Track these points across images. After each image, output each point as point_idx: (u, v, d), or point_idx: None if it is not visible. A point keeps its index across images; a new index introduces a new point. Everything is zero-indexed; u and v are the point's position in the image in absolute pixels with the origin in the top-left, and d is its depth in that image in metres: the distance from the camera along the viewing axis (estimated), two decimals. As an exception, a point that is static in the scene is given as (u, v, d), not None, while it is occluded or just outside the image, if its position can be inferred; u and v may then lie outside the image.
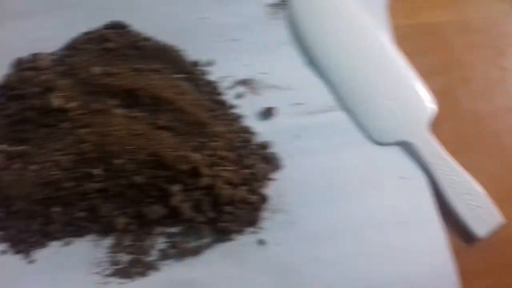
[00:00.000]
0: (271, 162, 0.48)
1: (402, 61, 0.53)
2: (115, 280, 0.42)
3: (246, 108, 0.51)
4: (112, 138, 0.45)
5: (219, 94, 0.51)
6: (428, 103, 0.51)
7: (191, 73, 0.52)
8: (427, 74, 0.52)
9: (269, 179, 0.47)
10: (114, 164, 0.44)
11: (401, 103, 0.50)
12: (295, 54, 0.54)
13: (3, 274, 0.42)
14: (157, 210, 0.44)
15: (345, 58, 0.53)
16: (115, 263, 0.43)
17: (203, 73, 0.52)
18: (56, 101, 0.46)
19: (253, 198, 0.45)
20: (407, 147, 0.49)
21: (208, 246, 0.44)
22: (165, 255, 0.43)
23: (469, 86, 0.53)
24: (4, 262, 0.42)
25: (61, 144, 0.45)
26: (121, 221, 0.44)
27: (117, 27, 0.53)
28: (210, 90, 0.51)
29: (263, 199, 0.46)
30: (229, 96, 0.51)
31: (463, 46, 0.54)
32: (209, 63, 0.53)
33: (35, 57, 0.51)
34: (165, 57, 0.52)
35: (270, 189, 0.47)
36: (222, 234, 0.45)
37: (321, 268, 0.44)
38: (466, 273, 0.45)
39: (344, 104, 0.51)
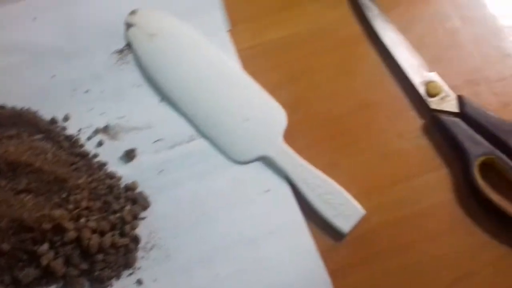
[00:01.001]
0: (138, 202, 0.55)
1: (250, 81, 0.61)
2: None
3: (108, 155, 0.58)
4: (-29, 211, 0.51)
5: (80, 146, 0.58)
6: (279, 116, 0.59)
7: (49, 131, 0.58)
8: (276, 88, 0.61)
9: (139, 219, 0.55)
10: (-26, 237, 0.50)
11: (255, 121, 0.59)
12: (149, 93, 0.61)
13: None
14: (30, 272, 0.50)
15: (195, 89, 0.61)
16: (-3, 334, 0.49)
17: (62, 128, 0.59)
18: None
19: (124, 241, 0.52)
20: (267, 161, 0.58)
21: (85, 297, 0.51)
22: (45, 315, 0.50)
23: (318, 92, 0.62)
24: None
25: None
26: (-4, 291, 0.50)
27: (-35, 101, 0.60)
28: (70, 145, 0.58)
29: (135, 240, 0.53)
30: (90, 147, 0.59)
31: (308, 56, 0.63)
32: (66, 119, 0.60)
33: None
34: (21, 121, 0.58)
35: (141, 229, 0.54)
36: (98, 283, 0.51)
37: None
38: (339, 269, 0.53)
39: (202, 132, 0.59)
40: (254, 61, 0.63)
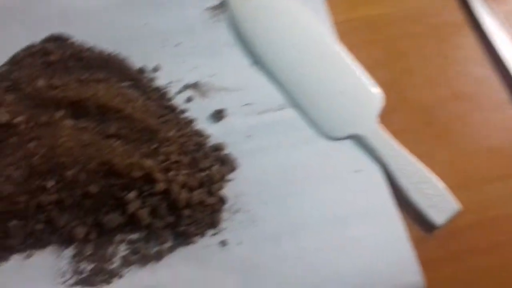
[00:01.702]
0: (226, 163, 0.58)
1: (347, 56, 0.64)
2: (79, 289, 0.51)
3: (197, 112, 0.61)
4: (61, 149, 0.54)
5: (168, 99, 0.61)
6: (376, 95, 0.62)
7: (137, 80, 0.62)
8: (371, 67, 0.64)
9: (226, 180, 0.58)
10: (66, 175, 0.53)
11: (350, 97, 0.62)
12: (241, 55, 0.64)
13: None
14: (114, 218, 0.53)
15: (290, 56, 0.64)
16: (78, 272, 0.52)
17: (150, 79, 0.62)
18: (2, 117, 0.55)
19: (211, 200, 0.55)
20: (360, 140, 0.60)
21: (169, 250, 0.53)
22: (127, 262, 0.52)
23: (413, 76, 0.65)
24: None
25: (12, 159, 0.54)
26: (80, 231, 0.53)
27: (58, 40, 0.63)
28: (159, 96, 0.61)
29: (222, 200, 0.56)
30: (178, 101, 0.62)
31: (405, 37, 0.66)
32: (155, 69, 0.63)
33: (-23, 74, 0.60)
34: (109, 66, 0.62)
35: (227, 190, 0.57)
36: (183, 238, 0.54)
37: (284, 264, 0.53)
38: (427, 261, 0.55)
39: (293, 101, 0.62)
40: (349, 35, 0.66)
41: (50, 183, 0.52)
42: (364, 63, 0.64)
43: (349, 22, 0.67)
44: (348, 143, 0.60)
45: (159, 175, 0.54)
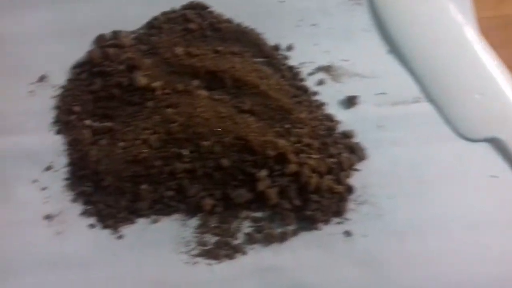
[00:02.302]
0: (355, 152, 0.57)
1: (490, 54, 0.61)
2: (202, 260, 0.51)
3: (328, 96, 0.60)
4: (199, 119, 0.54)
5: (301, 80, 0.60)
6: (518, 98, 0.59)
7: (272, 57, 0.61)
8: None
9: (354, 170, 0.56)
10: (202, 145, 0.53)
11: (490, 98, 0.59)
12: (378, 42, 0.62)
13: (92, 248, 0.51)
14: (243, 194, 0.53)
15: (430, 48, 0.61)
16: (202, 243, 0.52)
17: (284, 57, 0.61)
18: (142, 79, 0.56)
19: (340, 188, 0.54)
20: (498, 144, 0.57)
21: (293, 233, 0.53)
22: (251, 240, 0.52)
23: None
24: (93, 235, 0.52)
25: (148, 123, 0.54)
26: (208, 202, 0.53)
27: (198, 8, 0.62)
28: (292, 76, 0.60)
29: (349, 189, 0.55)
30: (310, 83, 0.60)
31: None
32: (289, 48, 0.62)
33: (116, 34, 0.61)
34: (245, 40, 0.61)
35: (355, 180, 0.56)
36: (308, 223, 0.53)
37: (409, 263, 0.52)
38: None
39: (429, 95, 0.60)
40: (493, 32, 0.62)
41: (185, 152, 0.53)
42: (508, 63, 0.60)
43: (495, 19, 0.63)
44: (484, 146, 0.57)
45: (292, 157, 0.53)
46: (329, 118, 0.58)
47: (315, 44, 0.62)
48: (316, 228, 0.53)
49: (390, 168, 0.56)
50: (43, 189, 0.54)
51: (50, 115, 0.57)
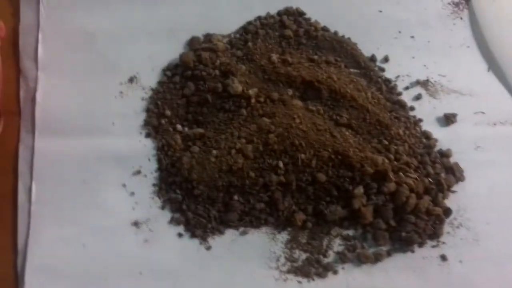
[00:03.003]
0: (453, 172, 0.54)
1: None
2: (293, 277, 0.49)
3: (424, 112, 0.58)
4: (296, 131, 0.52)
5: (397, 94, 0.58)
6: None
7: (367, 69, 0.59)
8: None
9: (451, 191, 0.54)
10: (299, 158, 0.51)
11: None
12: (478, 58, 0.60)
13: (180, 257, 0.50)
14: (337, 210, 0.51)
15: (533, 68, 0.59)
16: (292, 259, 0.50)
17: (380, 69, 0.60)
18: (237, 86, 0.54)
19: (437, 209, 0.52)
20: None
21: (387, 254, 0.51)
22: (343, 258, 0.50)
23: None
24: (180, 245, 0.50)
25: (243, 132, 0.53)
26: (299, 217, 0.51)
27: (294, 14, 0.61)
28: (388, 89, 0.58)
29: (447, 212, 0.53)
30: (406, 97, 0.58)
31: None
32: (385, 60, 0.60)
33: (209, 37, 0.59)
34: (341, 49, 0.59)
35: (451, 202, 0.53)
36: (402, 244, 0.51)
37: (507, 290, 0.50)
38: None
39: (530, 117, 0.57)
40: None
41: (281, 164, 0.51)
42: None
43: None
44: None
45: (392, 175, 0.51)
46: (427, 135, 0.56)
47: (412, 57, 0.60)
48: (411, 250, 0.51)
49: (488, 191, 0.54)
50: (132, 194, 0.52)
51: (140, 118, 0.56)
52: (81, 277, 0.47)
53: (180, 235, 0.51)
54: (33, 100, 0.55)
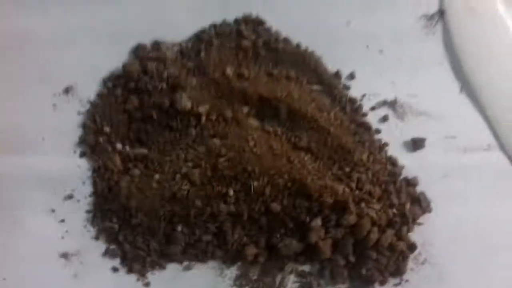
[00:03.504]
0: (420, 203, 0.50)
1: None
2: (241, 319, 0.46)
3: (391, 135, 0.53)
4: (249, 155, 0.47)
5: (363, 115, 0.54)
6: None
7: (331, 86, 0.54)
8: None
9: (417, 223, 0.50)
10: (252, 186, 0.47)
11: None
12: (449, 78, 0.56)
13: (114, 296, 0.45)
14: (292, 244, 0.47)
15: (508, 90, 0.55)
16: (241, 298, 0.46)
17: (345, 87, 0.55)
18: (187, 102, 0.49)
19: (401, 244, 0.48)
20: None
21: (346, 292, 0.47)
22: (297, 297, 0.46)
23: None
24: (116, 281, 0.46)
25: (191, 154, 0.48)
26: (250, 251, 0.47)
27: (253, 23, 0.56)
28: (353, 110, 0.54)
29: (411, 247, 0.49)
30: (372, 119, 0.54)
31: None
32: (351, 77, 0.56)
33: (158, 45, 0.54)
34: (303, 64, 0.55)
35: (416, 235, 0.49)
36: (363, 282, 0.47)
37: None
38: None
39: (503, 143, 0.53)
40: None
41: (231, 191, 0.47)
42: None
43: None
44: None
45: (353, 206, 0.47)
46: (393, 161, 0.52)
47: (380, 75, 0.56)
48: (371, 289, 0.48)
49: (455, 224, 0.50)
50: (62, 221, 0.48)
51: (74, 134, 0.51)
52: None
53: (115, 269, 0.46)
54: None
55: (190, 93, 0.50)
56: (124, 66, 0.53)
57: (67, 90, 0.52)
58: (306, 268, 0.48)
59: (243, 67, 0.53)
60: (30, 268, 0.45)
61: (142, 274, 0.46)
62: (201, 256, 0.47)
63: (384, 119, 0.54)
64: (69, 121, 0.51)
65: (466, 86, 0.56)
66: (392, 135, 0.54)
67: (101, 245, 0.47)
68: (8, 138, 0.50)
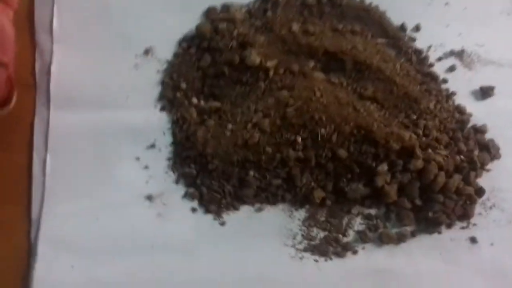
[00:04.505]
0: (488, 150, 0.52)
1: None
2: (309, 256, 0.49)
3: (459, 85, 0.55)
4: (316, 104, 0.51)
5: (429, 65, 0.56)
6: None
7: (396, 38, 0.57)
8: None
9: (485, 170, 0.52)
10: (319, 133, 0.50)
11: None
12: (520, 27, 0.57)
13: (194, 233, 0.50)
14: (359, 188, 0.50)
15: None
16: (309, 238, 0.49)
17: (410, 39, 0.57)
18: (255, 58, 0.53)
19: (468, 189, 0.50)
20: None
21: (411, 235, 0.49)
22: (363, 238, 0.49)
23: None
24: (194, 220, 0.50)
25: (260, 105, 0.52)
26: (318, 194, 0.50)
27: (318, -19, 0.59)
28: (419, 60, 0.56)
29: (479, 192, 0.50)
30: (439, 69, 0.56)
31: None
32: (417, 29, 0.58)
33: (227, 7, 0.58)
34: (367, 18, 0.57)
35: (484, 181, 0.51)
36: (428, 225, 0.49)
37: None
38: None
39: None
40: None
41: (299, 139, 0.50)
42: None
43: None
44: None
45: (419, 152, 0.49)
46: (460, 110, 0.54)
47: (447, 26, 0.58)
48: (437, 232, 0.49)
49: (526, 170, 0.52)
50: (145, 167, 0.52)
51: (155, 90, 0.56)
52: (93, 250, 0.48)
53: (194, 210, 0.51)
54: (48, 73, 0.55)
55: (258, 50, 0.54)
56: (197, 27, 0.57)
57: (146, 52, 0.57)
58: (372, 211, 0.50)
59: (308, 24, 0.56)
60: (119, 209, 0.50)
61: (218, 214, 0.50)
62: (272, 199, 0.51)
63: (451, 69, 0.56)
64: (149, 79, 0.56)
65: (537, 34, 0.56)
66: (460, 84, 0.55)
67: (181, 188, 0.51)
68: (97, 96, 0.55)
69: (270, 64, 0.53)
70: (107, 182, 0.52)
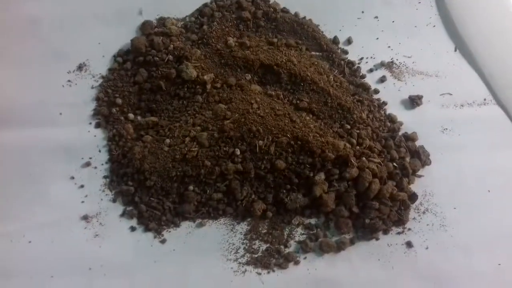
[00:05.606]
0: (419, 156, 0.54)
1: None
2: (252, 269, 0.49)
3: (389, 95, 0.58)
4: (253, 116, 0.52)
5: (361, 77, 0.58)
6: None
7: (330, 51, 0.59)
8: None
9: (417, 176, 0.54)
10: (257, 145, 0.51)
11: None
12: (443, 38, 0.60)
13: (133, 252, 0.49)
14: (298, 199, 0.51)
15: (501, 47, 0.59)
16: (251, 251, 0.50)
17: (343, 52, 0.59)
18: (193, 72, 0.54)
19: (402, 195, 0.52)
20: None
21: (351, 242, 0.51)
22: (305, 248, 0.50)
23: None
24: (133, 239, 0.50)
25: (198, 119, 0.52)
26: (259, 206, 0.51)
27: (252, -5, 0.60)
28: (351, 72, 0.58)
29: (412, 197, 0.53)
30: (370, 80, 0.58)
31: None
32: (348, 42, 0.60)
33: (163, 21, 0.59)
34: (302, 32, 0.59)
35: (416, 187, 0.53)
36: (367, 232, 0.51)
37: (476, 279, 0.50)
38: None
39: (498, 97, 0.57)
40: None
41: (238, 151, 0.51)
42: None
43: None
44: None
45: (354, 160, 0.51)
46: (391, 119, 0.56)
47: (376, 39, 0.60)
48: (375, 238, 0.51)
49: (455, 175, 0.54)
50: (81, 187, 0.52)
51: (89, 107, 0.55)
52: (25, 274, 0.47)
53: (133, 228, 0.50)
54: (-24, 90, 0.54)
55: (195, 64, 0.55)
56: (132, 42, 0.57)
57: (80, 67, 0.57)
58: (312, 220, 0.52)
59: (244, 37, 0.57)
60: (54, 231, 0.49)
61: (158, 232, 0.50)
62: (213, 214, 0.51)
63: (382, 80, 0.58)
64: (83, 95, 0.56)
65: (460, 45, 0.60)
66: (391, 94, 0.58)
67: (119, 207, 0.51)
68: (29, 113, 0.54)
69: (207, 77, 0.54)
70: (40, 203, 0.50)
